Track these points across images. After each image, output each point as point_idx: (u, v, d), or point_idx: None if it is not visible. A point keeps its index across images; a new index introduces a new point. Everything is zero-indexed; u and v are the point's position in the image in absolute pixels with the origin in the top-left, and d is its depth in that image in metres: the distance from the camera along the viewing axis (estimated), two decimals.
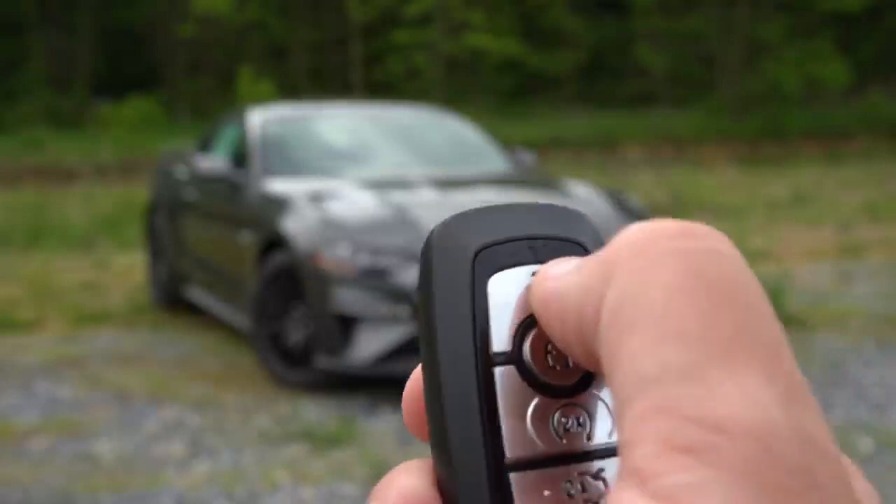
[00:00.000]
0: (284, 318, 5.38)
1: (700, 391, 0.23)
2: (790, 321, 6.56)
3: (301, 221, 5.42)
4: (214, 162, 6.54)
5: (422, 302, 0.31)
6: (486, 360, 0.30)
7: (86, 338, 6.60)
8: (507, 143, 7.55)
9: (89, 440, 4.57)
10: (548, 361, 0.30)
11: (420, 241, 5.06)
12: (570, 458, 0.29)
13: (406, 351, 4.95)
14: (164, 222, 7.60)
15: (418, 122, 7.24)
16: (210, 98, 29.10)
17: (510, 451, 0.29)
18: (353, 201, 5.66)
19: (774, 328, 0.25)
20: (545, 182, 6.72)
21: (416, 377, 0.32)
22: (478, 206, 0.32)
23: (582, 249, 0.31)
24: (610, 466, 0.30)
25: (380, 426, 4.70)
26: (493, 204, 0.32)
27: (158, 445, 4.51)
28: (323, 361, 5.08)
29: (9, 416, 4.94)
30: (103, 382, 5.51)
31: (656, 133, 24.58)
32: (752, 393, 0.23)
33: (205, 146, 7.42)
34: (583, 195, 5.91)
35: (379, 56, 30.66)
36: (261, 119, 6.68)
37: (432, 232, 0.32)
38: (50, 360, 5.99)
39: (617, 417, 0.25)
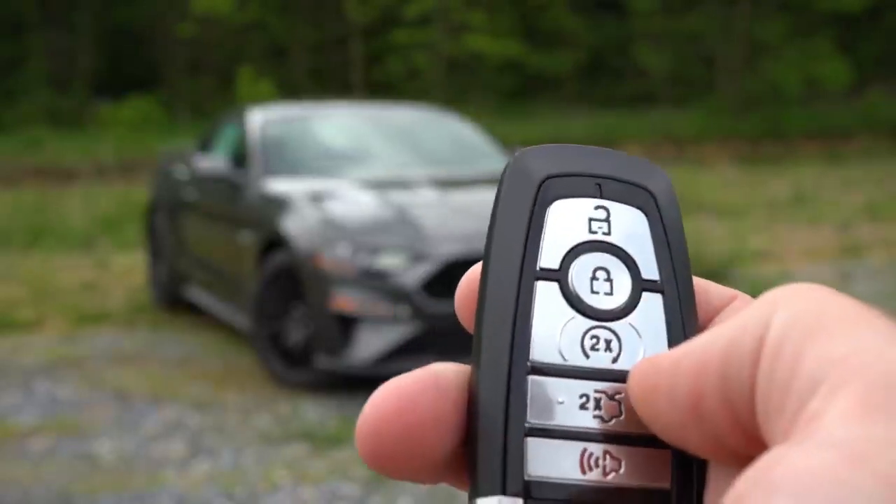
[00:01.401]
0: (284, 318, 5.38)
1: (894, 359, 0.24)
2: None
3: (301, 221, 5.42)
4: (214, 162, 6.54)
5: (490, 222, 0.33)
6: (531, 272, 0.31)
7: (86, 338, 6.59)
8: (507, 143, 7.54)
9: (89, 440, 4.57)
10: (593, 286, 0.31)
11: (420, 241, 5.09)
12: (590, 375, 0.31)
13: (406, 351, 4.95)
14: (164, 222, 7.59)
15: (418, 122, 7.24)
16: (210, 98, 29.10)
17: (534, 355, 0.30)
18: (353, 201, 5.66)
19: None
20: None
21: (469, 277, 0.33)
22: (557, 144, 0.34)
23: (650, 196, 0.33)
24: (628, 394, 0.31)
25: None
26: (573, 144, 0.34)
27: (158, 445, 4.50)
28: (323, 361, 5.08)
29: (9, 416, 4.94)
30: (103, 382, 5.51)
31: (656, 133, 24.58)
32: None
33: (205, 146, 7.42)
34: None
35: (379, 56, 30.65)
36: (261, 119, 6.68)
37: (510, 159, 0.33)
38: (50, 360, 5.99)
39: (797, 409, 0.24)
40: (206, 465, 4.25)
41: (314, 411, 4.92)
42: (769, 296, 0.27)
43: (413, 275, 4.98)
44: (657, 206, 0.33)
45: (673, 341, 0.31)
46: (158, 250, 7.73)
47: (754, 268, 8.64)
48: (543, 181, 0.32)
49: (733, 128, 25.65)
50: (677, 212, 0.33)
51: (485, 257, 0.32)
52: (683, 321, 0.32)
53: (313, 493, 3.94)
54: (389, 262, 5.05)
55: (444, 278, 4.98)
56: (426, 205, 5.60)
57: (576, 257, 0.32)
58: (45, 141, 23.13)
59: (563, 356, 0.31)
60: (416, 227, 5.21)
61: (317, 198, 5.64)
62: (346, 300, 5.02)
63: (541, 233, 0.32)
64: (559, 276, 0.31)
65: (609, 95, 30.93)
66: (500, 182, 0.33)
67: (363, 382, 5.20)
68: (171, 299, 7.37)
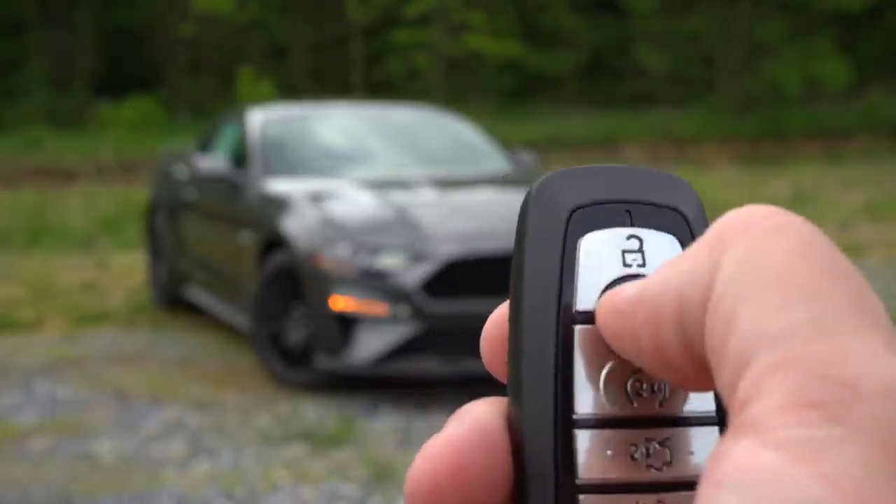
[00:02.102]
0: (284, 318, 5.38)
1: (830, 348, 0.23)
2: None
3: (301, 221, 5.42)
4: (214, 162, 6.54)
5: (515, 255, 0.31)
6: (568, 316, 0.30)
7: (86, 338, 6.60)
8: (507, 143, 7.55)
9: (89, 440, 4.57)
10: None
11: (420, 241, 5.09)
12: (638, 423, 0.30)
13: (406, 351, 4.95)
14: (164, 222, 7.60)
15: (418, 122, 7.24)
16: (210, 98, 29.10)
17: (579, 408, 0.30)
18: (353, 201, 5.66)
19: (880, 302, 0.25)
20: None
21: (496, 317, 0.32)
22: (579, 166, 0.33)
23: (681, 218, 0.32)
24: (677, 436, 0.30)
25: (380, 426, 4.70)
26: (595, 165, 0.32)
27: (158, 445, 4.51)
28: (323, 361, 5.08)
29: (9, 416, 4.94)
30: (103, 382, 5.51)
31: (656, 133, 24.59)
32: (882, 355, 0.23)
33: (205, 146, 7.42)
34: None
35: (379, 56, 30.66)
36: (261, 119, 6.68)
37: (532, 187, 0.32)
38: (50, 360, 5.99)
39: (730, 381, 0.24)
40: (206, 465, 4.25)
41: (314, 411, 4.92)
42: (721, 226, 0.26)
43: (413, 275, 4.98)
44: (689, 227, 0.32)
45: None
46: (158, 250, 7.73)
47: None
48: (572, 213, 0.31)
49: (733, 128, 25.66)
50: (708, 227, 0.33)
51: (515, 298, 0.31)
52: None
53: (313, 493, 3.94)
54: (389, 262, 5.05)
55: (444, 278, 4.98)
56: (426, 205, 5.60)
57: None
58: (45, 141, 23.13)
59: (607, 405, 0.30)
60: (416, 227, 5.21)
61: (317, 198, 5.64)
62: (346, 300, 5.02)
63: (574, 271, 0.30)
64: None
65: (609, 95, 30.94)
66: (524, 213, 0.32)
67: (363, 382, 5.21)
68: (171, 299, 7.37)
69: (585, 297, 0.30)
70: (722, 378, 0.24)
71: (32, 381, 5.55)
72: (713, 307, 0.25)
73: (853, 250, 9.66)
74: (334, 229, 5.25)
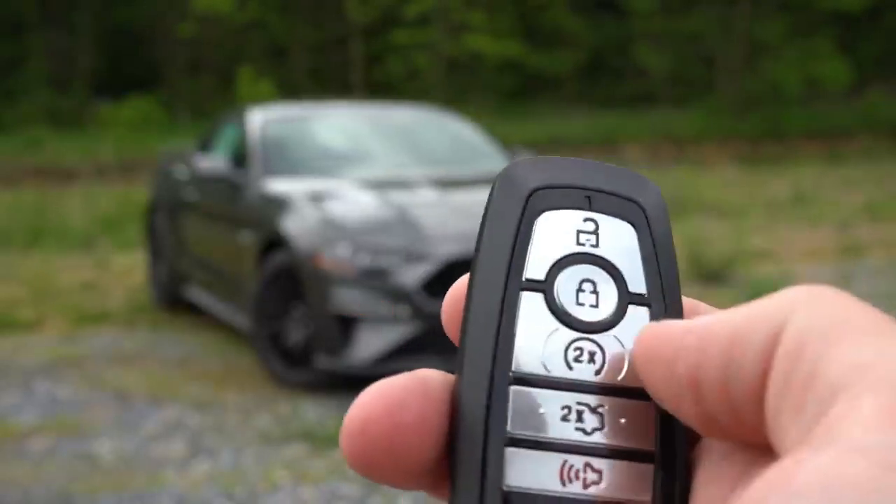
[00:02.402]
0: (284, 318, 5.38)
1: None
2: None
3: (301, 221, 5.42)
4: (214, 162, 6.54)
5: (479, 231, 0.33)
6: (516, 282, 0.32)
7: (86, 338, 6.60)
8: (507, 143, 7.55)
9: (89, 440, 4.57)
10: (578, 297, 0.32)
11: (420, 240, 5.09)
12: (573, 387, 0.31)
13: (406, 351, 4.95)
14: (164, 222, 7.60)
15: (418, 122, 7.24)
16: (210, 98, 29.10)
17: (517, 366, 0.31)
18: (353, 201, 5.66)
19: None
20: None
21: (457, 286, 0.33)
22: (546, 156, 0.34)
23: (640, 210, 0.33)
24: (611, 405, 0.31)
25: None
26: (563, 157, 0.34)
27: (158, 445, 4.51)
28: (323, 361, 5.08)
29: (9, 416, 4.94)
30: (103, 382, 5.51)
31: (656, 133, 24.59)
32: None
33: (205, 146, 7.42)
34: None
35: (379, 56, 30.66)
36: (261, 119, 6.68)
37: (500, 171, 0.34)
38: (50, 360, 5.99)
39: (812, 418, 0.24)
40: (206, 465, 4.25)
41: (314, 411, 4.92)
42: (785, 294, 0.27)
43: (413, 275, 4.98)
44: (647, 219, 0.33)
45: None
46: (158, 250, 7.73)
47: (754, 268, 8.64)
48: (532, 193, 0.33)
49: (733, 128, 25.65)
50: (667, 226, 0.33)
51: (472, 268, 0.32)
52: None
53: (313, 493, 3.94)
54: (389, 262, 5.05)
55: (444, 278, 4.98)
56: (426, 205, 5.60)
57: (562, 269, 0.32)
58: (45, 141, 23.13)
59: (546, 367, 0.31)
60: (416, 227, 5.21)
61: (317, 198, 5.64)
62: (346, 300, 5.02)
63: (528, 244, 0.32)
64: (544, 287, 0.32)
65: (609, 95, 30.93)
66: (490, 194, 0.33)
67: (363, 382, 5.19)
68: (171, 299, 7.37)
69: (536, 267, 0.32)
70: (802, 418, 0.25)
71: (32, 381, 5.55)
72: (791, 353, 0.25)
73: (853, 250, 9.66)
74: (334, 229, 5.25)
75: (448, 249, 5.02)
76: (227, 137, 7.11)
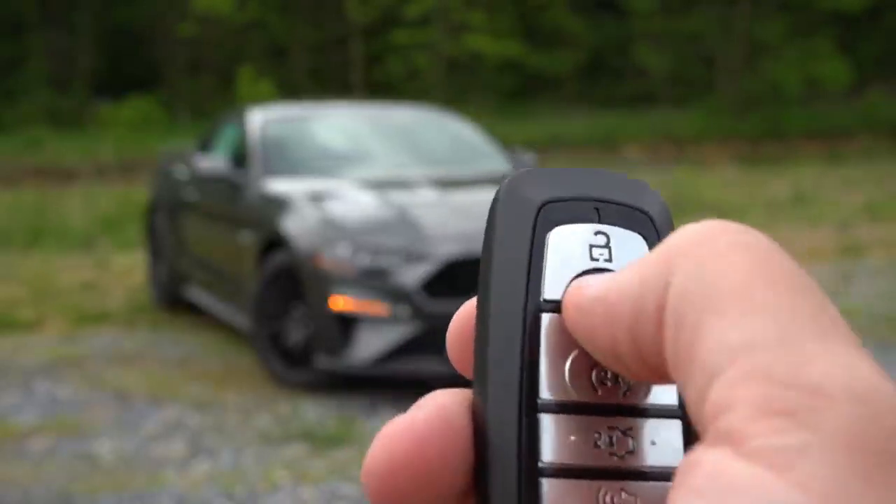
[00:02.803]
0: (284, 318, 5.38)
1: (796, 358, 0.23)
2: None
3: (301, 221, 5.42)
4: (214, 162, 6.54)
5: (484, 247, 0.32)
6: (535, 304, 0.31)
7: (86, 338, 6.59)
8: (507, 143, 7.55)
9: (89, 440, 4.57)
10: None
11: (420, 240, 5.09)
12: (602, 410, 0.30)
13: (406, 351, 4.95)
14: (164, 222, 7.59)
15: (418, 122, 7.24)
16: (210, 98, 29.10)
17: (544, 392, 0.30)
18: (353, 201, 5.66)
19: (838, 313, 0.25)
20: None
21: (462, 314, 0.32)
22: (549, 167, 0.33)
23: (648, 219, 0.32)
24: (640, 426, 0.30)
25: (380, 426, 4.68)
26: (565, 167, 0.33)
27: (158, 445, 4.51)
28: (323, 361, 5.08)
29: (9, 416, 4.94)
30: (103, 382, 5.51)
31: (656, 133, 24.58)
32: (850, 362, 0.23)
33: (205, 146, 7.42)
34: None
35: (379, 56, 30.65)
36: (261, 119, 6.68)
37: (502, 184, 0.32)
38: (50, 360, 5.99)
39: (698, 393, 0.24)
40: (206, 465, 4.25)
41: (314, 411, 4.92)
42: (678, 238, 0.26)
43: (413, 275, 4.98)
44: (655, 228, 0.32)
45: None
46: (158, 250, 7.73)
47: None
48: (542, 206, 0.32)
49: (733, 128, 25.66)
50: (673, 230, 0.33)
51: (483, 288, 0.31)
52: None
53: (313, 493, 3.94)
54: (389, 262, 5.05)
55: (444, 278, 4.98)
56: (426, 205, 5.60)
57: None
58: (45, 141, 23.13)
59: (573, 392, 0.30)
60: (416, 227, 5.21)
61: (317, 198, 5.64)
62: (346, 300, 5.02)
63: (542, 261, 0.31)
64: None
65: (609, 95, 30.93)
66: (493, 208, 0.32)
67: (363, 382, 5.21)
68: (171, 299, 7.37)
69: (553, 286, 0.31)
70: (690, 388, 0.25)
71: (32, 381, 5.55)
72: (671, 318, 0.25)
73: (853, 250, 9.66)
74: (334, 229, 5.25)
75: (448, 249, 5.02)
76: (227, 137, 7.11)
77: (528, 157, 7.16)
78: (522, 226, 0.31)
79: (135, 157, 19.40)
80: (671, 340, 0.25)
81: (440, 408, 0.30)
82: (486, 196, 6.19)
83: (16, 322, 7.04)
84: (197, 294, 6.90)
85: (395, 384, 5.20)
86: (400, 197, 5.68)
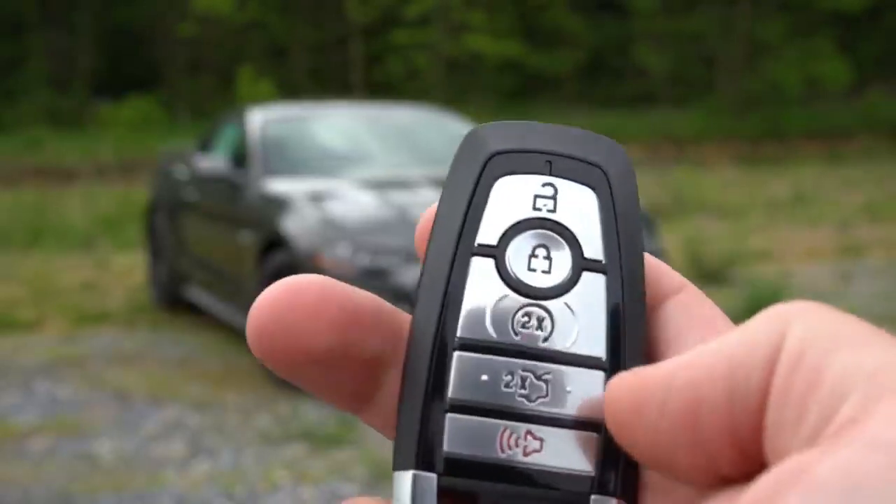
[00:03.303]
0: None
1: None
2: None
3: (301, 221, 5.42)
4: (214, 162, 6.54)
5: (441, 195, 0.33)
6: (467, 248, 0.31)
7: (86, 338, 6.59)
8: None
9: (89, 440, 4.57)
10: (530, 263, 0.31)
11: None
12: (518, 353, 0.30)
13: None
14: (164, 222, 7.59)
15: (418, 122, 7.24)
16: (210, 98, 29.10)
17: (462, 331, 0.30)
18: (353, 201, 5.66)
19: None
20: None
21: (427, 215, 0.33)
22: (516, 121, 0.34)
23: (603, 174, 0.32)
24: (556, 373, 0.30)
25: None
26: (529, 122, 0.34)
27: (158, 445, 4.51)
28: None
29: (9, 416, 4.94)
30: (103, 382, 5.51)
31: (656, 133, 24.59)
32: None
33: (205, 146, 7.42)
34: None
35: (379, 56, 30.65)
36: (261, 119, 6.68)
37: (464, 135, 0.33)
38: (50, 360, 5.99)
39: (815, 426, 0.24)
40: (206, 465, 4.25)
41: (314, 411, 4.92)
42: (777, 310, 0.27)
43: (413, 275, 4.98)
44: (609, 184, 0.32)
45: (611, 324, 0.31)
46: (158, 250, 7.73)
47: (754, 268, 8.64)
48: (491, 157, 0.32)
49: (733, 128, 25.65)
50: (633, 191, 0.32)
51: (432, 230, 0.32)
52: (625, 304, 0.31)
53: (313, 493, 3.94)
54: (389, 262, 5.05)
55: None
56: (426, 205, 5.55)
57: (516, 234, 0.31)
58: (45, 141, 23.13)
59: (492, 333, 0.30)
60: (416, 227, 5.21)
61: (317, 198, 5.64)
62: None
63: (482, 209, 0.32)
64: (496, 252, 0.31)
65: (609, 95, 30.93)
66: (455, 156, 0.33)
67: None
68: (171, 299, 7.37)
69: (488, 233, 0.31)
70: (803, 427, 0.24)
71: (32, 381, 5.55)
72: (790, 364, 0.25)
73: (853, 250, 9.66)
74: (334, 229, 5.25)
75: None
76: (227, 137, 7.11)
77: None
78: (469, 174, 0.32)
79: (135, 157, 19.40)
80: (783, 384, 0.25)
81: (336, 281, 0.32)
82: None
83: (16, 322, 7.04)
84: (197, 294, 6.90)
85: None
86: (400, 197, 5.68)
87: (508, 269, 0.31)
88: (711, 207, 12.84)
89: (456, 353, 0.30)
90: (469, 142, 0.33)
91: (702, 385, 0.26)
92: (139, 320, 7.11)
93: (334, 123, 7.12)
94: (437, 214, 0.32)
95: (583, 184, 0.32)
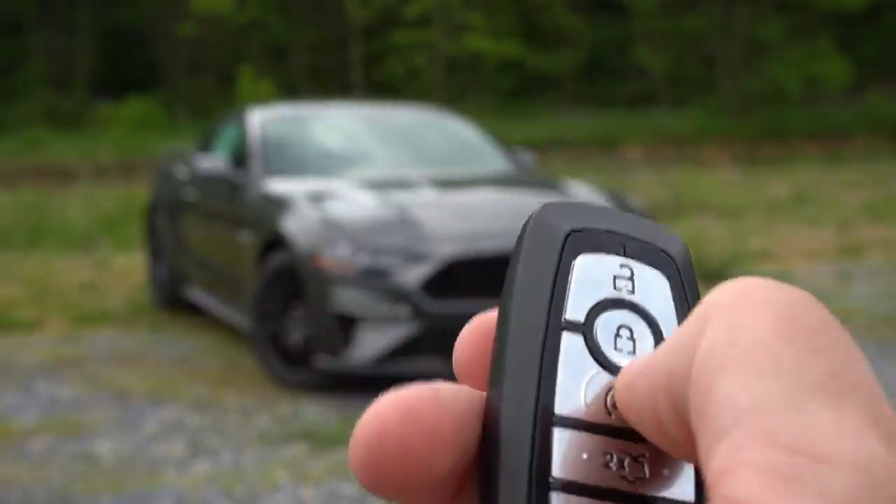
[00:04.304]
0: (284, 318, 5.38)
1: (802, 422, 0.23)
2: None
3: (301, 221, 5.42)
4: (214, 162, 6.54)
5: (510, 268, 0.32)
6: (557, 322, 0.31)
7: (86, 338, 6.60)
8: (507, 143, 7.55)
9: (89, 440, 4.57)
10: (616, 343, 0.31)
11: (420, 240, 5.09)
12: (615, 433, 0.30)
13: (406, 351, 4.95)
14: (164, 222, 7.60)
15: (418, 122, 7.24)
16: (210, 98, 29.11)
17: (559, 408, 0.30)
18: (353, 201, 5.66)
19: (869, 373, 0.25)
20: (545, 182, 6.72)
21: (475, 324, 0.33)
22: (576, 200, 0.34)
23: (670, 259, 0.33)
24: (652, 454, 0.30)
25: None
26: (591, 202, 0.34)
27: (158, 445, 4.51)
28: (323, 361, 5.08)
29: (9, 416, 4.94)
30: (103, 382, 5.51)
31: (656, 133, 24.59)
32: (855, 428, 0.23)
33: (205, 146, 7.42)
34: (583, 195, 5.91)
35: (379, 56, 30.66)
36: (261, 119, 6.68)
37: (533, 213, 0.33)
38: (50, 360, 5.99)
39: (706, 453, 0.24)
40: (206, 465, 4.25)
41: (314, 411, 4.92)
42: (710, 300, 0.26)
43: (413, 275, 4.98)
44: (677, 269, 0.33)
45: None
46: (158, 250, 7.73)
47: (754, 268, 8.64)
48: (569, 234, 0.32)
49: (733, 128, 25.66)
50: (694, 278, 0.33)
51: (505, 307, 0.32)
52: None
53: (313, 493, 3.94)
54: (389, 262, 5.05)
55: (444, 278, 4.98)
56: (426, 205, 5.60)
57: (600, 313, 0.31)
58: (45, 141, 23.15)
59: (586, 411, 0.30)
60: (417, 227, 5.21)
61: (317, 198, 5.64)
62: (346, 300, 5.02)
63: (566, 285, 0.32)
64: (584, 329, 0.31)
65: (609, 95, 30.94)
66: (521, 235, 0.33)
67: (363, 382, 5.21)
68: (171, 299, 7.37)
69: (575, 308, 0.31)
70: (700, 446, 0.25)
71: (32, 381, 5.55)
72: (693, 380, 0.25)
73: (853, 250, 9.66)
74: (334, 229, 5.25)
75: (448, 249, 5.02)
76: (227, 137, 7.11)
77: (528, 157, 7.16)
78: (549, 250, 0.32)
79: (135, 157, 19.40)
80: (691, 400, 0.25)
81: (433, 386, 0.30)
82: (486, 196, 6.19)
83: (16, 322, 7.04)
84: (197, 294, 6.90)
85: (395, 384, 5.19)
86: (400, 197, 5.68)
87: (598, 346, 0.31)
88: (711, 207, 12.85)
89: (556, 430, 0.30)
90: (541, 218, 0.33)
91: (654, 395, 0.27)
92: (139, 320, 7.11)
93: (334, 123, 7.12)
94: (515, 287, 0.32)
95: (655, 267, 0.33)
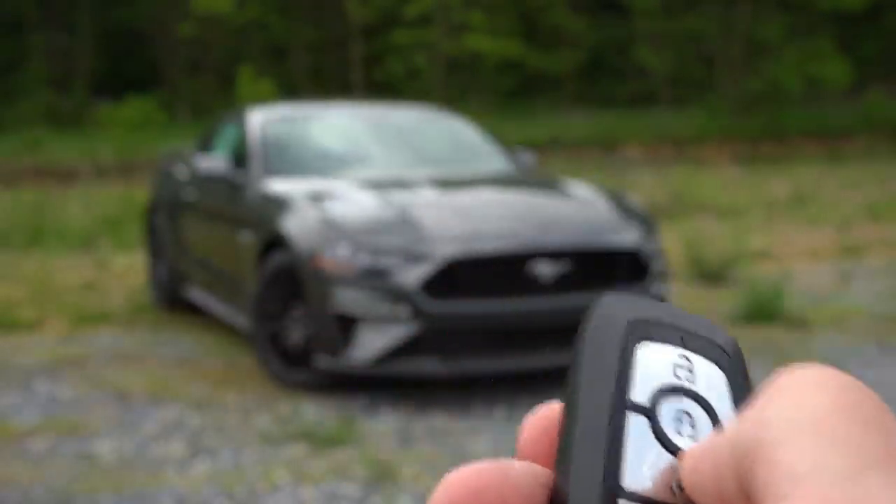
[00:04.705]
0: (284, 318, 5.38)
1: (858, 492, 0.24)
2: (790, 321, 6.56)
3: (301, 221, 5.42)
4: (214, 162, 6.53)
5: (575, 355, 0.34)
6: (622, 403, 0.33)
7: (86, 338, 6.59)
8: (507, 143, 7.55)
9: (89, 440, 4.57)
10: (678, 428, 0.33)
11: (420, 241, 5.09)
12: None
13: (406, 351, 4.95)
14: (164, 222, 7.59)
15: (418, 122, 7.24)
16: (210, 98, 29.11)
17: (626, 483, 0.31)
18: (353, 201, 5.65)
19: None
20: (545, 182, 6.72)
21: (540, 415, 0.34)
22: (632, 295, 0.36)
23: (724, 354, 0.35)
24: None
25: (380, 426, 4.70)
26: (649, 297, 0.35)
27: (158, 445, 4.51)
28: (323, 361, 5.08)
29: (9, 416, 4.94)
30: (103, 382, 5.51)
31: (656, 133, 24.59)
32: None
33: (205, 146, 7.42)
34: (583, 195, 5.91)
35: (379, 56, 30.66)
36: (261, 119, 6.68)
37: (594, 304, 0.35)
38: (50, 360, 5.99)
39: None
40: (206, 465, 4.25)
41: (314, 411, 4.92)
42: (772, 383, 0.28)
43: (413, 275, 4.98)
44: (731, 363, 0.34)
45: None
46: (158, 250, 7.73)
47: (754, 268, 8.64)
48: (630, 323, 0.34)
49: (733, 127, 25.66)
50: (747, 370, 0.35)
51: (572, 387, 0.33)
52: None
53: (313, 493, 3.94)
54: (389, 262, 5.05)
55: (445, 278, 4.98)
56: (426, 205, 5.60)
57: (663, 397, 0.33)
58: (45, 141, 23.15)
59: (654, 490, 0.31)
60: (417, 227, 5.21)
61: (317, 198, 5.63)
62: (345, 300, 5.02)
63: (630, 369, 0.33)
64: (649, 412, 0.33)
65: (609, 95, 30.94)
66: (584, 324, 0.34)
67: (363, 382, 5.21)
68: (171, 299, 7.37)
69: (639, 392, 0.33)
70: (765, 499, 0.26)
71: (32, 381, 5.55)
72: (757, 452, 0.27)
73: (853, 250, 9.66)
74: (334, 229, 5.25)
75: (448, 249, 5.02)
76: (227, 137, 7.11)
77: (528, 157, 7.16)
78: (613, 336, 0.34)
79: (135, 157, 19.40)
80: (757, 475, 0.27)
81: (502, 464, 0.31)
82: (486, 196, 6.19)
83: (16, 322, 7.04)
84: (197, 294, 6.90)
85: (395, 384, 5.20)
86: (400, 197, 5.68)
87: (661, 429, 0.32)
88: (711, 207, 12.84)
89: (622, 501, 0.31)
90: (603, 309, 0.35)
91: (720, 475, 0.28)
92: (139, 320, 7.11)
93: (335, 123, 7.12)
94: (582, 370, 0.33)
95: (712, 361, 0.34)
